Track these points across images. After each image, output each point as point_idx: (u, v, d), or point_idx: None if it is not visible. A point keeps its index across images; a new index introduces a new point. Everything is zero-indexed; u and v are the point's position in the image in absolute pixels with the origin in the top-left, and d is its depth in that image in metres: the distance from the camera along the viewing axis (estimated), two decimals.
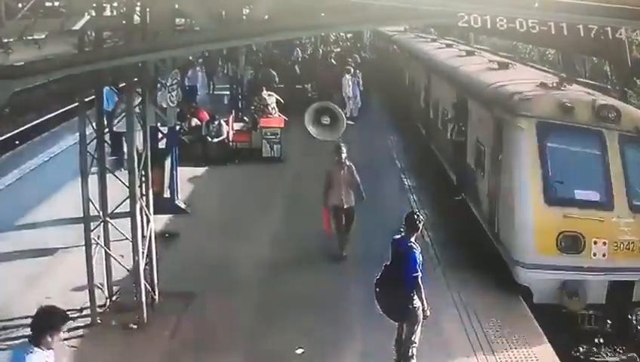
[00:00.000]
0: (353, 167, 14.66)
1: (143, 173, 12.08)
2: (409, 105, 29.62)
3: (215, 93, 34.71)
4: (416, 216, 10.66)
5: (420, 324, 10.35)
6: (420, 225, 10.52)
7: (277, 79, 31.74)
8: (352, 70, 31.24)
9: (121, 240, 11.95)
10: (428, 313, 10.37)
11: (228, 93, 31.40)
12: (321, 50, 40.40)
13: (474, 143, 16.28)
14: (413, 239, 10.37)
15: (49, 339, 6.61)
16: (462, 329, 11.88)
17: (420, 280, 10.13)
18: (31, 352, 6.50)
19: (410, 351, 10.38)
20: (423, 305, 10.25)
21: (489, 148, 14.74)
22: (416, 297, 10.19)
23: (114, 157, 16.19)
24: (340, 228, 14.85)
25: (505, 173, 13.47)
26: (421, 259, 10.25)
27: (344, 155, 14.50)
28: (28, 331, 10.93)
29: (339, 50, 44.51)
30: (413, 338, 10.37)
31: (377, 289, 10.53)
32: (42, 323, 6.61)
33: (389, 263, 10.53)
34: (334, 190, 14.56)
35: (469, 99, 17.31)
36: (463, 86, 18.56)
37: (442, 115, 20.78)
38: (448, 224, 16.87)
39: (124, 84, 12.21)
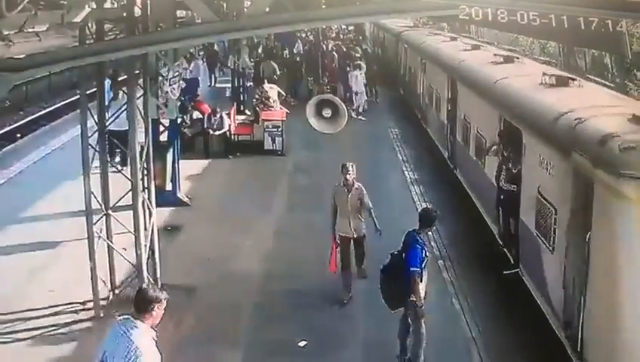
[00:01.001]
0: (363, 190, 12.50)
1: (145, 166, 12.10)
2: (426, 120, 24.95)
3: (217, 85, 34.74)
4: (432, 213, 10.47)
5: (423, 318, 10.29)
6: (434, 223, 10.36)
7: (278, 71, 31.72)
8: (361, 65, 31.02)
9: (124, 233, 11.97)
10: (420, 308, 10.21)
11: (229, 85, 31.37)
12: (323, 44, 40.23)
13: (534, 198, 11.47)
14: (422, 234, 10.24)
15: (153, 314, 6.88)
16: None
17: (416, 275, 9.99)
18: (135, 327, 6.74)
19: (419, 344, 10.31)
20: (418, 299, 10.13)
21: (565, 213, 10.05)
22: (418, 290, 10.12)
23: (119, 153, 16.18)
24: (346, 264, 12.58)
25: (599, 265, 8.87)
26: (424, 255, 10.09)
27: (351, 175, 12.38)
28: (31, 324, 11.13)
29: (339, 42, 44.26)
30: (420, 332, 10.29)
31: (381, 276, 10.47)
32: (145, 300, 6.83)
33: (396, 252, 10.40)
34: (341, 217, 12.50)
35: (524, 130, 12.42)
36: (513, 110, 13.50)
37: (477, 145, 16.06)
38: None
39: (124, 76, 12.24)
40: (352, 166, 12.51)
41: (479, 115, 16.23)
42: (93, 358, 7.25)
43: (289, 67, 34.87)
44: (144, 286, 7.33)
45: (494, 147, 14.18)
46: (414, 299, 10.12)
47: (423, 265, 10.17)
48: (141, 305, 6.84)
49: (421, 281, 10.18)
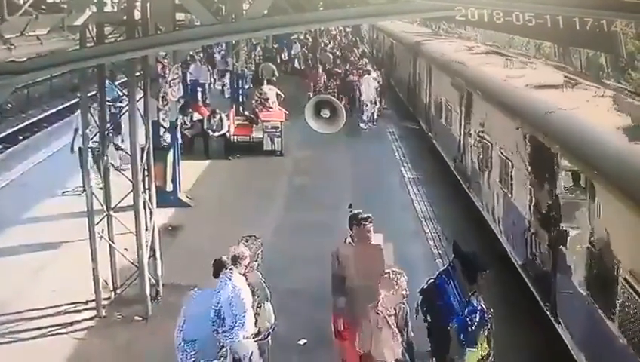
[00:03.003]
0: (391, 252, 8.90)
1: (146, 167, 12.20)
2: (453, 155, 19.25)
3: (216, 87, 34.79)
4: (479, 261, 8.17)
5: None
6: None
7: (277, 73, 31.84)
8: (370, 70, 29.32)
9: (125, 233, 12.06)
10: None
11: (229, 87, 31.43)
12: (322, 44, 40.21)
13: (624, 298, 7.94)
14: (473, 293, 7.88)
15: (242, 265, 8.93)
16: None
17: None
18: (231, 274, 8.77)
19: None
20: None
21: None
22: None
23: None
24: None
25: None
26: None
27: (370, 226, 8.85)
28: (33, 324, 11.21)
29: (335, 44, 44.14)
30: None
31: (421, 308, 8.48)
32: (234, 257, 8.90)
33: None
34: (355, 301, 8.67)
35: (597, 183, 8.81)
36: (586, 160, 9.51)
37: (529, 199, 11.75)
38: None
39: (125, 78, 12.35)
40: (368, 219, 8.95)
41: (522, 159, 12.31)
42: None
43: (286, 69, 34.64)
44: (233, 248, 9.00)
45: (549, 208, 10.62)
46: None
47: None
48: (232, 260, 8.89)
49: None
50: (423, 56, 25.55)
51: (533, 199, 11.46)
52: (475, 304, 7.87)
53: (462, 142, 18.09)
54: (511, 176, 13.08)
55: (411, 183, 19.97)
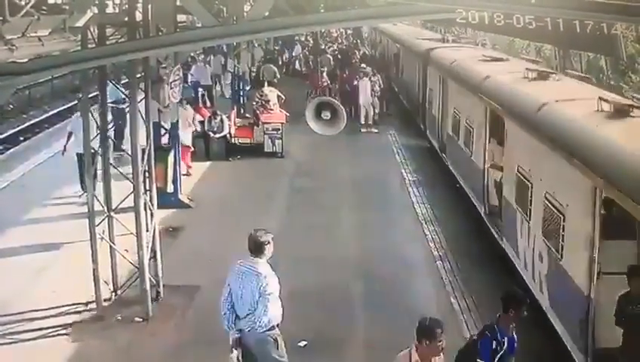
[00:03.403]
0: None
1: (147, 168, 12.22)
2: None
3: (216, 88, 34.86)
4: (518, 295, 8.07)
5: None
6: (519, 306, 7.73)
7: (277, 74, 31.88)
8: (368, 72, 28.73)
9: (126, 234, 12.08)
10: None
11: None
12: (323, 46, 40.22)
13: None
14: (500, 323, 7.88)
15: (265, 252, 9.01)
16: None
17: None
18: (256, 263, 8.81)
19: None
20: None
21: None
22: None
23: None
24: None
25: None
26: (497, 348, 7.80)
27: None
28: (34, 324, 11.21)
29: (336, 47, 44.10)
30: None
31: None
32: (257, 243, 9.00)
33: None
34: None
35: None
36: None
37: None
38: None
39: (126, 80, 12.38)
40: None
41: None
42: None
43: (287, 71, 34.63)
44: (253, 232, 9.13)
45: None
46: None
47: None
48: (254, 247, 8.93)
49: None
50: (435, 66, 22.70)
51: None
52: (513, 334, 8.02)
53: (489, 178, 15.31)
54: (568, 235, 10.17)
55: (412, 185, 19.96)
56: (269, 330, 8.76)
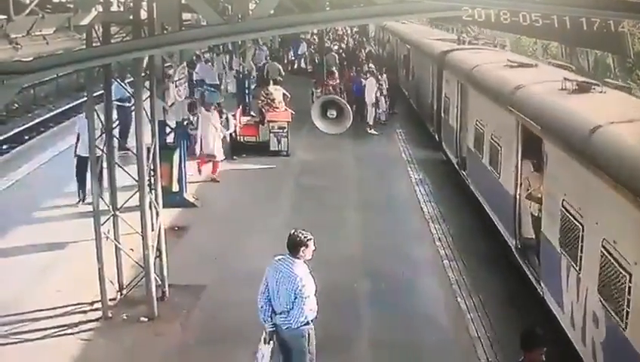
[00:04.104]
0: None
1: (152, 167, 12.20)
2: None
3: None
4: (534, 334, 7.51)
5: None
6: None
7: (282, 72, 31.82)
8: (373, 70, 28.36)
9: (131, 233, 12.06)
10: None
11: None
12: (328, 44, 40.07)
13: None
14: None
15: (304, 253, 9.01)
16: None
17: None
18: (294, 263, 8.94)
19: None
20: None
21: None
22: None
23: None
24: None
25: None
26: None
27: None
28: (39, 324, 11.20)
29: (341, 45, 43.90)
30: None
31: None
32: (296, 243, 9.02)
33: None
34: None
35: None
36: None
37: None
38: None
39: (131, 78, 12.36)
40: None
41: None
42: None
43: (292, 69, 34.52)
44: (292, 232, 9.16)
45: None
46: None
47: None
48: (293, 247, 8.98)
49: None
50: (452, 71, 20.44)
51: None
52: None
53: (522, 207, 13.24)
54: (636, 301, 8.19)
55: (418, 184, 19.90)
56: (303, 326, 9.01)
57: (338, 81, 27.37)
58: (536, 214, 12.47)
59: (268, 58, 35.86)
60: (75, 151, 16.98)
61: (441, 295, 12.96)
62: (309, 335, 9.08)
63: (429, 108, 24.80)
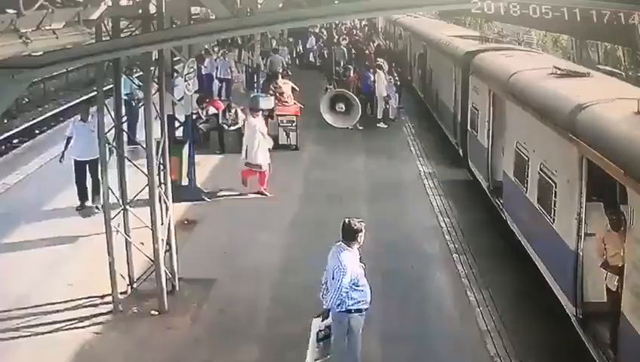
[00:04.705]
0: None
1: (162, 161, 12.21)
2: None
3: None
4: None
5: None
6: None
7: (284, 63, 31.93)
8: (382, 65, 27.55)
9: (141, 227, 12.09)
10: None
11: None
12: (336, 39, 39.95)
13: None
14: None
15: (358, 240, 9.36)
16: None
17: None
18: (344, 250, 9.24)
19: None
20: None
21: None
22: None
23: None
24: None
25: None
26: None
27: None
28: (50, 318, 11.24)
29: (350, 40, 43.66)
30: None
31: None
32: (351, 231, 9.28)
33: None
34: None
35: None
36: None
37: None
38: None
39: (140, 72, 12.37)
40: None
41: None
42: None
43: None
44: (347, 220, 9.38)
45: None
46: None
47: None
48: (347, 234, 9.30)
49: None
50: (482, 77, 17.22)
51: None
52: None
53: (587, 270, 10.30)
54: None
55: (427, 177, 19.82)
56: (347, 312, 9.32)
57: (354, 76, 27.19)
58: (614, 288, 9.50)
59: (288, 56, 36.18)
60: (62, 156, 16.39)
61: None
62: (348, 322, 9.34)
63: (450, 117, 21.96)
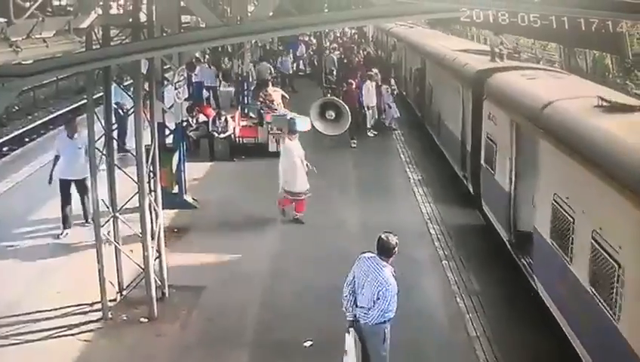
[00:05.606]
0: None
1: (151, 168, 12.23)
2: None
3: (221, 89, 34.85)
4: None
5: None
6: None
7: (271, 70, 32.09)
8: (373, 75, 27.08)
9: (131, 235, 12.10)
10: None
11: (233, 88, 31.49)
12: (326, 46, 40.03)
13: None
14: None
15: (393, 257, 9.22)
16: None
17: None
18: (385, 266, 9.13)
19: None
20: None
21: None
22: None
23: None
24: None
25: None
26: None
27: None
28: (40, 325, 11.22)
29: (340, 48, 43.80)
30: None
31: None
32: (388, 247, 9.15)
33: None
34: None
35: None
36: None
37: None
38: None
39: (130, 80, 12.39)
40: None
41: None
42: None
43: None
44: (384, 236, 9.23)
45: None
46: None
47: None
48: (385, 250, 9.16)
49: None
50: (500, 105, 14.21)
51: None
52: None
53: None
54: None
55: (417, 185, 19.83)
56: (381, 323, 9.25)
57: (355, 86, 26.50)
58: None
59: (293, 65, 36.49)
60: (51, 178, 15.33)
61: None
62: (384, 333, 9.32)
63: (457, 146, 18.56)
